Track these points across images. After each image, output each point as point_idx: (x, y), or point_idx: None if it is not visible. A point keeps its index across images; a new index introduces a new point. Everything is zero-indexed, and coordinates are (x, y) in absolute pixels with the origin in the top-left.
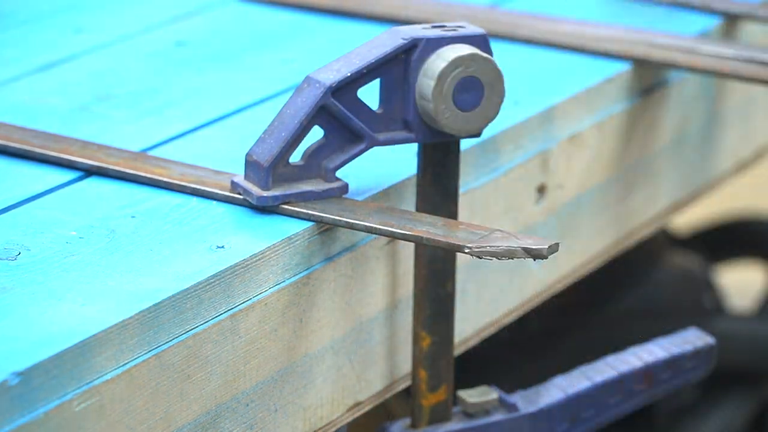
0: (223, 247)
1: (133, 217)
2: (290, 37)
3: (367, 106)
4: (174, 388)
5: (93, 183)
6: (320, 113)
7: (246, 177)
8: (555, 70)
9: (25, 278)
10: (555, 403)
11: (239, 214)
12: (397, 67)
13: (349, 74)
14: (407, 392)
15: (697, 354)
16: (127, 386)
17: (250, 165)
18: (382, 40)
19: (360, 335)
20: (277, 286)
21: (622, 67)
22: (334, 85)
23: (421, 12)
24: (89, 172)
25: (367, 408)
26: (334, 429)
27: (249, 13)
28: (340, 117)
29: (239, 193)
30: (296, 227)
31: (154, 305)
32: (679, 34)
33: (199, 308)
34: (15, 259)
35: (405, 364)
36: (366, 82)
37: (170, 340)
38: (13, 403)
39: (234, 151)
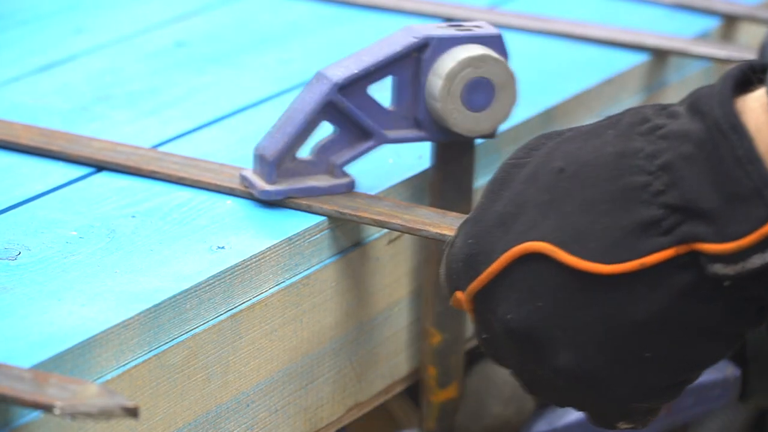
0: (223, 247)
1: (133, 216)
2: (290, 37)
3: (378, 103)
4: (174, 388)
5: (94, 182)
6: (327, 109)
7: (254, 171)
8: (556, 70)
9: (25, 278)
10: (573, 423)
11: (240, 214)
12: (409, 66)
13: (357, 71)
14: (408, 393)
15: (722, 383)
16: (127, 386)
17: (258, 159)
18: (395, 38)
19: (361, 336)
20: (277, 287)
21: (623, 68)
22: (341, 81)
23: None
24: (90, 170)
25: (368, 409)
26: (334, 429)
27: (249, 13)
28: (347, 113)
29: (246, 186)
30: (297, 227)
31: (155, 305)
32: (673, 35)
33: (200, 308)
34: (15, 258)
35: (406, 365)
36: (376, 80)
37: (170, 341)
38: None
39: (234, 151)
